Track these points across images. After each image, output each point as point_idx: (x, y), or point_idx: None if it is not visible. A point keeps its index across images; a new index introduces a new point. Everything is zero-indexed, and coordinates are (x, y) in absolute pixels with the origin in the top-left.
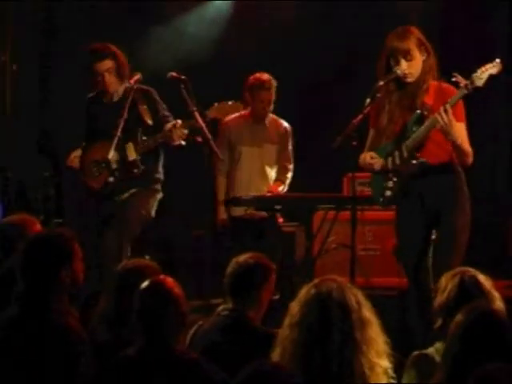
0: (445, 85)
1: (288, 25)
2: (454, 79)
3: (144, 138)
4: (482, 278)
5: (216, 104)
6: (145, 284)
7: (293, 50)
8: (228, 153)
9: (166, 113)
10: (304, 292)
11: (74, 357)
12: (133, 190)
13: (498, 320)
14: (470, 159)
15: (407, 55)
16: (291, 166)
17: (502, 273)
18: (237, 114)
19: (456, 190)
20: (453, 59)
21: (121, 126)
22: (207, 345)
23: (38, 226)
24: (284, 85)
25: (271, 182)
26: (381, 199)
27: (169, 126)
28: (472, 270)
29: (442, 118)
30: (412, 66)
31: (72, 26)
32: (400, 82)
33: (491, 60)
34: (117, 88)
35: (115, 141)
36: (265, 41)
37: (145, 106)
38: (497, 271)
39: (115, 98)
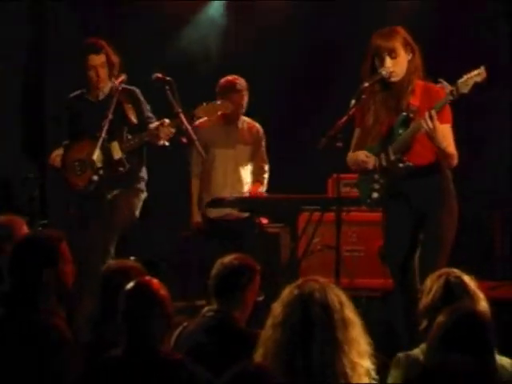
0: (431, 85)
1: (276, 24)
2: (439, 85)
3: (129, 136)
4: (466, 278)
5: (204, 104)
6: (130, 285)
7: (281, 50)
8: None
9: (150, 114)
10: (286, 292)
11: (61, 357)
12: (117, 191)
13: (480, 321)
14: (455, 161)
15: (392, 53)
16: (267, 167)
17: (489, 273)
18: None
19: (442, 190)
20: (451, 59)
21: (105, 127)
22: (192, 346)
23: (25, 228)
24: (271, 85)
25: (244, 183)
26: (368, 201)
27: (155, 124)
28: (457, 271)
29: (427, 124)
30: (397, 65)
31: (68, 25)
32: (385, 82)
33: (476, 67)
34: (105, 85)
35: (99, 142)
36: (256, 41)
37: (130, 105)
38: (483, 271)
39: (101, 97)
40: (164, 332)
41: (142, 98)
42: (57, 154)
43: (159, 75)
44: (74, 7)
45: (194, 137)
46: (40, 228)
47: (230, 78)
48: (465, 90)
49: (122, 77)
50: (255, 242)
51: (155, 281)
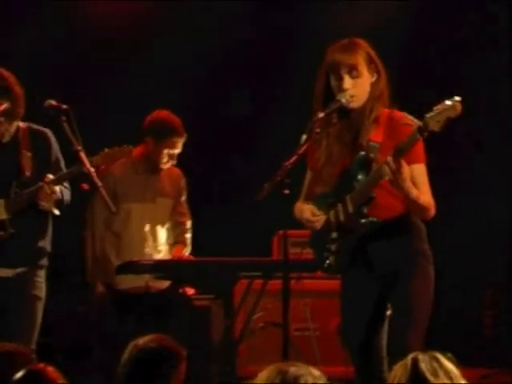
0: (399, 115)
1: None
2: (402, 122)
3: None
4: (446, 364)
5: (106, 149)
6: (19, 374)
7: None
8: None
9: (61, 166)
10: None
11: None
12: (21, 269)
13: None
14: (431, 212)
15: (353, 71)
16: (189, 223)
17: (478, 357)
18: (123, 160)
19: (414, 250)
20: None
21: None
22: None
23: None
24: (200, 121)
25: (160, 244)
26: (325, 265)
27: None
28: (434, 355)
29: (391, 172)
30: (358, 86)
31: None
32: (344, 111)
33: (449, 97)
34: (6, 129)
35: None
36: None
37: (30, 153)
38: (471, 355)
39: (6, 138)
40: None
41: (53, 144)
42: None
43: (53, 102)
44: None
45: (99, 182)
46: None
47: (168, 115)
48: (435, 126)
49: (5, 105)
50: (180, 320)
51: (51, 369)
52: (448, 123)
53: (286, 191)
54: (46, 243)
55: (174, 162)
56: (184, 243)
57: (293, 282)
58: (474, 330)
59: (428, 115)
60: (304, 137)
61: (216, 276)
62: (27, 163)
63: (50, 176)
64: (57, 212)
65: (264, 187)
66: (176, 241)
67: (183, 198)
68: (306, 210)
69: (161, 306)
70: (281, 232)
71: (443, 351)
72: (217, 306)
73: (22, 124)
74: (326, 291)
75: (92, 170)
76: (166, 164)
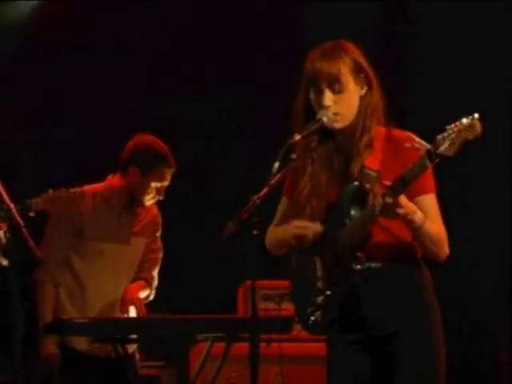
0: (399, 134)
1: None
2: (407, 145)
3: None
4: None
5: (51, 191)
6: None
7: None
8: (71, 249)
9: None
10: None
11: None
12: None
13: None
14: (445, 251)
15: (335, 83)
16: (160, 259)
17: None
18: (94, 191)
19: (422, 303)
20: None
21: None
22: None
23: None
24: None
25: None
26: (309, 322)
27: None
28: None
29: (383, 209)
30: (342, 102)
31: None
32: (328, 131)
33: (467, 115)
34: None
35: None
36: None
37: None
38: None
39: None
40: None
41: None
42: None
43: None
44: None
45: (20, 221)
46: None
47: (153, 140)
48: (449, 151)
49: None
50: None
51: None
52: (464, 147)
53: (255, 231)
54: None
55: (161, 197)
56: (147, 281)
57: (263, 344)
58: None
59: (440, 136)
60: (277, 164)
61: (167, 338)
62: None
63: None
64: (5, 262)
65: (227, 227)
66: (140, 277)
67: (158, 234)
68: (291, 225)
69: (114, 372)
70: (248, 282)
71: None
72: (168, 375)
73: None
74: (304, 356)
75: (11, 205)
76: (151, 200)
